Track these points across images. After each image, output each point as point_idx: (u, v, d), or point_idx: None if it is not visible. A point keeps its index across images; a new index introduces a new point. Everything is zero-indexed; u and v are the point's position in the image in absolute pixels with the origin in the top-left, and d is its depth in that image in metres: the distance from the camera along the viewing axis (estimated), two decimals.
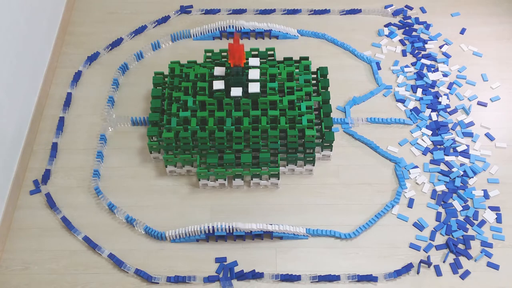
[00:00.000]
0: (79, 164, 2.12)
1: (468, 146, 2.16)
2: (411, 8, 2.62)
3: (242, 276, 1.85)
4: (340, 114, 2.27)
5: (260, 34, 2.50)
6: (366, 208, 2.01)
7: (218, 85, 2.01)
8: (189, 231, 1.90)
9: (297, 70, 2.21)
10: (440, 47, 2.47)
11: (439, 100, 2.29)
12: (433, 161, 2.12)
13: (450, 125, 2.22)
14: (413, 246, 1.92)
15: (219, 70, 2.04)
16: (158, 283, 1.84)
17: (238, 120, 2.03)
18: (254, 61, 2.09)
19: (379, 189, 2.06)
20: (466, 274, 1.86)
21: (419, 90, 2.31)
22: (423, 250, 1.92)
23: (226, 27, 2.47)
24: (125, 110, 2.28)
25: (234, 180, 2.05)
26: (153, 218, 1.99)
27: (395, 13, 2.60)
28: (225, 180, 2.04)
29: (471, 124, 2.22)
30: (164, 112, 2.12)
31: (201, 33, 2.49)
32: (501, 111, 2.27)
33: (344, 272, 1.86)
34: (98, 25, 2.57)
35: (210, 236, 1.92)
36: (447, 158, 2.13)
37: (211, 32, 2.48)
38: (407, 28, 2.54)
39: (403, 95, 2.32)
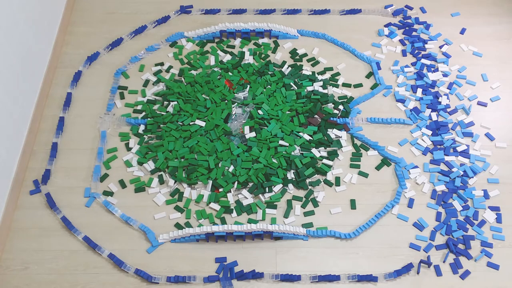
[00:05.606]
0: (79, 164, 2.12)
1: (468, 146, 2.16)
2: (411, 8, 2.62)
3: (242, 276, 1.85)
4: None
5: (260, 34, 2.50)
6: (366, 208, 2.01)
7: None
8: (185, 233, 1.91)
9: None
10: (440, 47, 2.47)
11: (439, 100, 2.29)
12: (433, 161, 2.12)
13: (450, 125, 2.22)
14: (413, 246, 1.92)
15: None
16: (158, 283, 1.84)
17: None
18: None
19: (379, 189, 2.06)
20: (466, 274, 1.86)
21: (419, 90, 2.31)
22: (423, 250, 1.92)
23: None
24: (124, 110, 2.27)
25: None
26: (153, 218, 1.99)
27: (395, 13, 2.60)
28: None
29: (471, 124, 2.22)
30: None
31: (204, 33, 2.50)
32: (501, 111, 2.27)
33: (344, 272, 1.86)
34: (98, 25, 2.57)
35: (210, 236, 1.92)
36: (447, 158, 2.12)
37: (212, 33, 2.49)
38: (407, 28, 2.54)
39: (403, 95, 2.32)
